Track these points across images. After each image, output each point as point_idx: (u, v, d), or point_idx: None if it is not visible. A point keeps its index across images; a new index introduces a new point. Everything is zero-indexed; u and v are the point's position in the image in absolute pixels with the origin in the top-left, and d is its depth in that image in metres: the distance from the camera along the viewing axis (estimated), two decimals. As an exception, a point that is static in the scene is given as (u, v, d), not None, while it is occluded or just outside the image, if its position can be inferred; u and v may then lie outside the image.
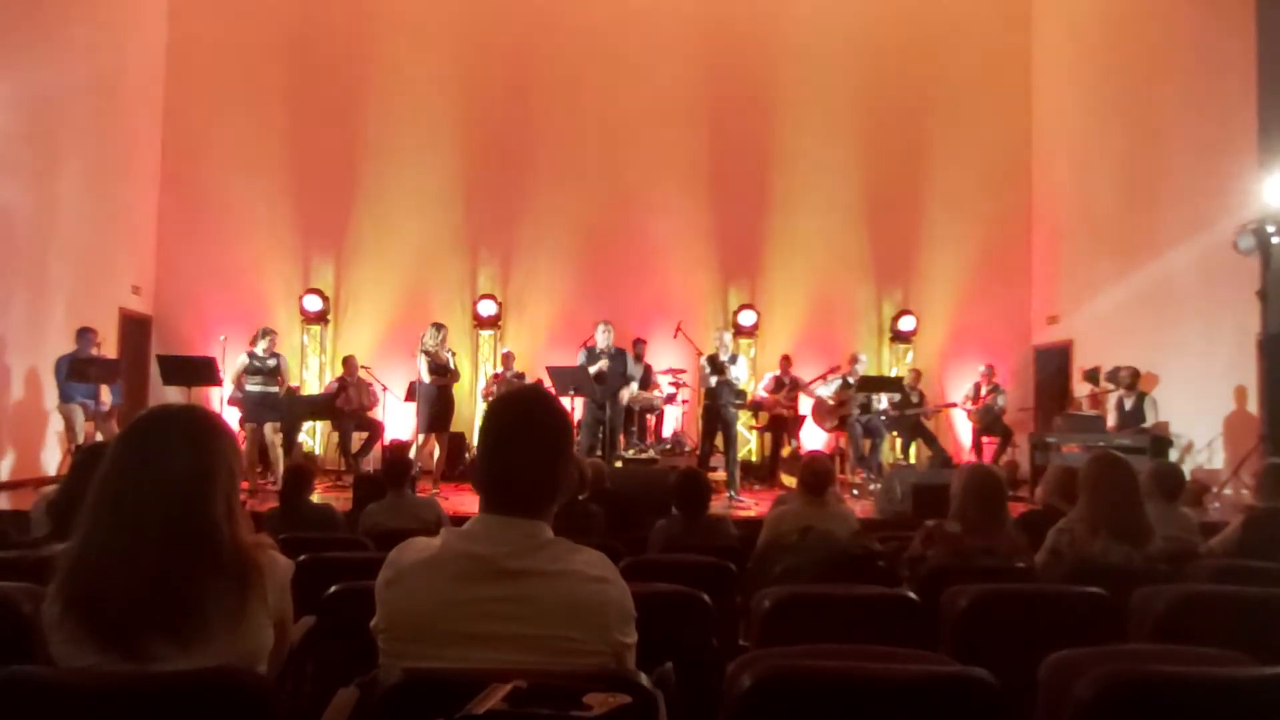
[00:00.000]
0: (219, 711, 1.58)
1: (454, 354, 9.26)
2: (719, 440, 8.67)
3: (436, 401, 9.01)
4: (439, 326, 9.14)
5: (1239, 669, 1.85)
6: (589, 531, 3.95)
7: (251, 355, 8.71)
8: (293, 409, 9.69)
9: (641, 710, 1.40)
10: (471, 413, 11.24)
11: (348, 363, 10.24)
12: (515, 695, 1.24)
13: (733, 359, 8.62)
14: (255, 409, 8.57)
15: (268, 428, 8.66)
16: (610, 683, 1.44)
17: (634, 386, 9.34)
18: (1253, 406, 8.35)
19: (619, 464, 8.41)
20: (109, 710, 1.55)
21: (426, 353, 8.95)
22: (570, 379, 8.33)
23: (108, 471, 1.73)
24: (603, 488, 4.69)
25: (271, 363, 8.77)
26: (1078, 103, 11.14)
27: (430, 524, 4.57)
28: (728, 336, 8.93)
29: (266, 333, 8.88)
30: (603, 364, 8.42)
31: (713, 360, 8.55)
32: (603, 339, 8.58)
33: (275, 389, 8.76)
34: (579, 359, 8.60)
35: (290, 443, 9.66)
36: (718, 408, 8.51)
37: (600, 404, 8.45)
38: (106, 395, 8.74)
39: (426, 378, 8.91)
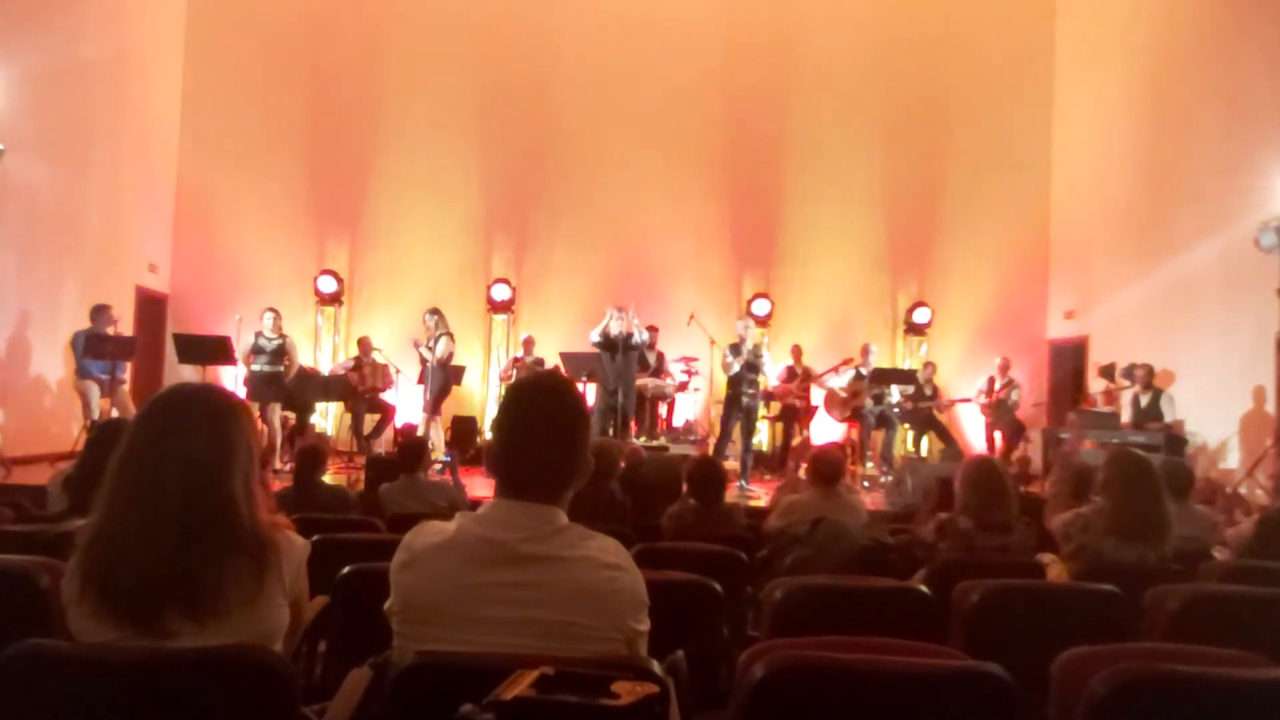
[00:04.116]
0: (237, 688, 1.60)
1: (443, 336, 9.23)
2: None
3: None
4: (432, 312, 9.23)
5: (1252, 669, 1.84)
6: (613, 520, 3.93)
7: (257, 335, 8.80)
8: (305, 390, 9.75)
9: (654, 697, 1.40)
10: (484, 397, 11.29)
11: (362, 343, 10.29)
12: (543, 681, 1.24)
13: (755, 351, 8.57)
14: (259, 389, 8.64)
15: (272, 408, 8.73)
16: (622, 669, 1.44)
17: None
18: (1270, 406, 8.28)
19: (630, 451, 8.42)
20: (128, 685, 1.57)
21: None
22: (583, 365, 8.35)
23: (127, 449, 1.73)
24: (635, 473, 4.66)
25: (276, 343, 8.83)
26: (1100, 96, 11.03)
27: (442, 509, 4.59)
28: (753, 326, 8.91)
29: (270, 312, 8.95)
30: (609, 325, 8.46)
31: (735, 348, 8.52)
32: (615, 326, 8.58)
33: (280, 369, 8.82)
34: (592, 337, 8.66)
35: (302, 424, 9.73)
36: (739, 396, 8.50)
37: (613, 390, 8.46)
38: (124, 372, 8.80)
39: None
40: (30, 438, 8.91)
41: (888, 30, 11.62)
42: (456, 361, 10.15)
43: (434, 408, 9.31)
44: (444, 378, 9.34)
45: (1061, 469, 4.79)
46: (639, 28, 11.51)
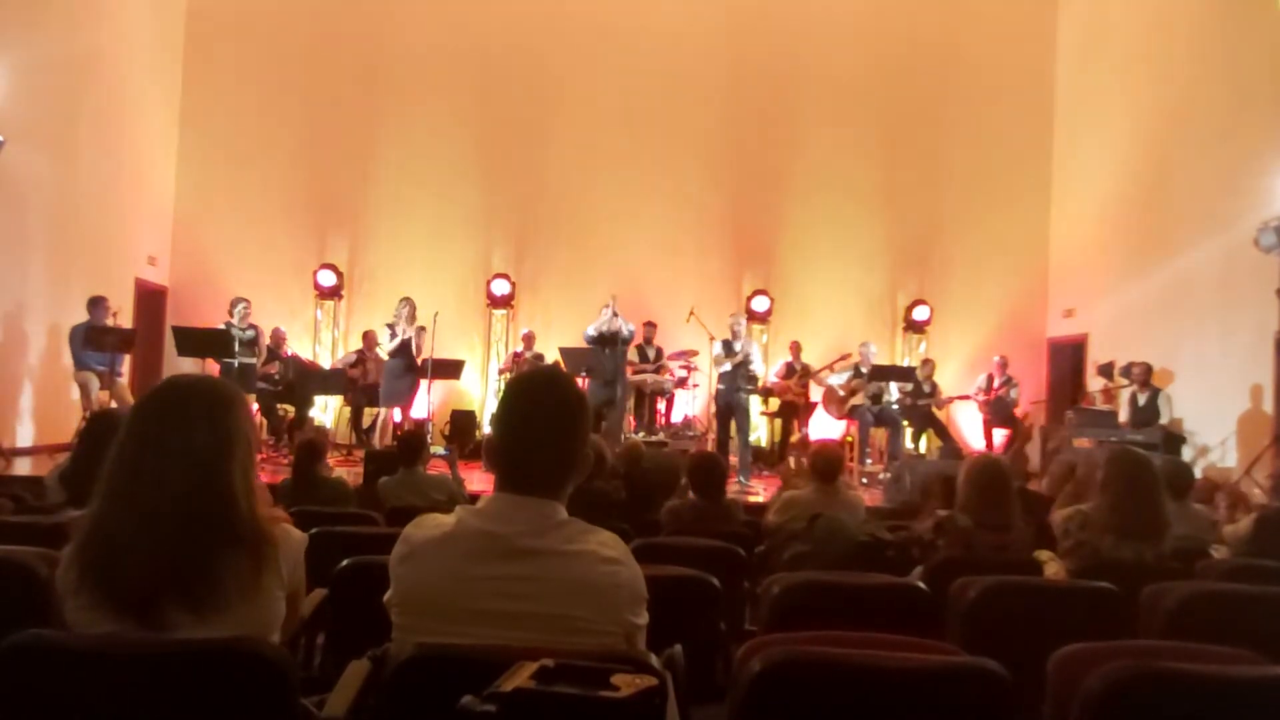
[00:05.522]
0: (236, 680, 1.60)
1: (417, 329, 9.33)
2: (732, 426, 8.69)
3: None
4: (406, 301, 9.28)
5: (1249, 668, 1.85)
6: (612, 516, 3.93)
7: (229, 325, 8.79)
8: (303, 384, 9.76)
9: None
10: (484, 392, 11.29)
11: (367, 337, 10.28)
12: (543, 673, 1.25)
13: (746, 347, 8.60)
14: (238, 382, 8.65)
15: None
16: (621, 663, 1.44)
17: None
18: (1268, 405, 8.29)
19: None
20: (129, 676, 1.57)
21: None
22: (582, 360, 8.39)
23: (125, 441, 1.73)
24: (634, 469, 4.66)
25: (250, 334, 8.85)
26: (1100, 94, 11.02)
27: (441, 503, 4.60)
28: (744, 322, 8.93)
29: (239, 302, 8.96)
30: (605, 324, 8.57)
31: (727, 345, 8.55)
32: (606, 323, 8.68)
33: (252, 360, 8.84)
34: (588, 332, 8.75)
35: (301, 418, 9.74)
36: (730, 392, 8.52)
37: (610, 382, 8.53)
38: (122, 364, 8.81)
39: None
40: (30, 430, 8.92)
41: (889, 28, 11.60)
42: (456, 356, 10.17)
43: (410, 400, 9.42)
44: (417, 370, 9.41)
45: (1062, 468, 4.79)
46: (641, 25, 11.48)
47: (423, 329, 9.23)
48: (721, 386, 8.63)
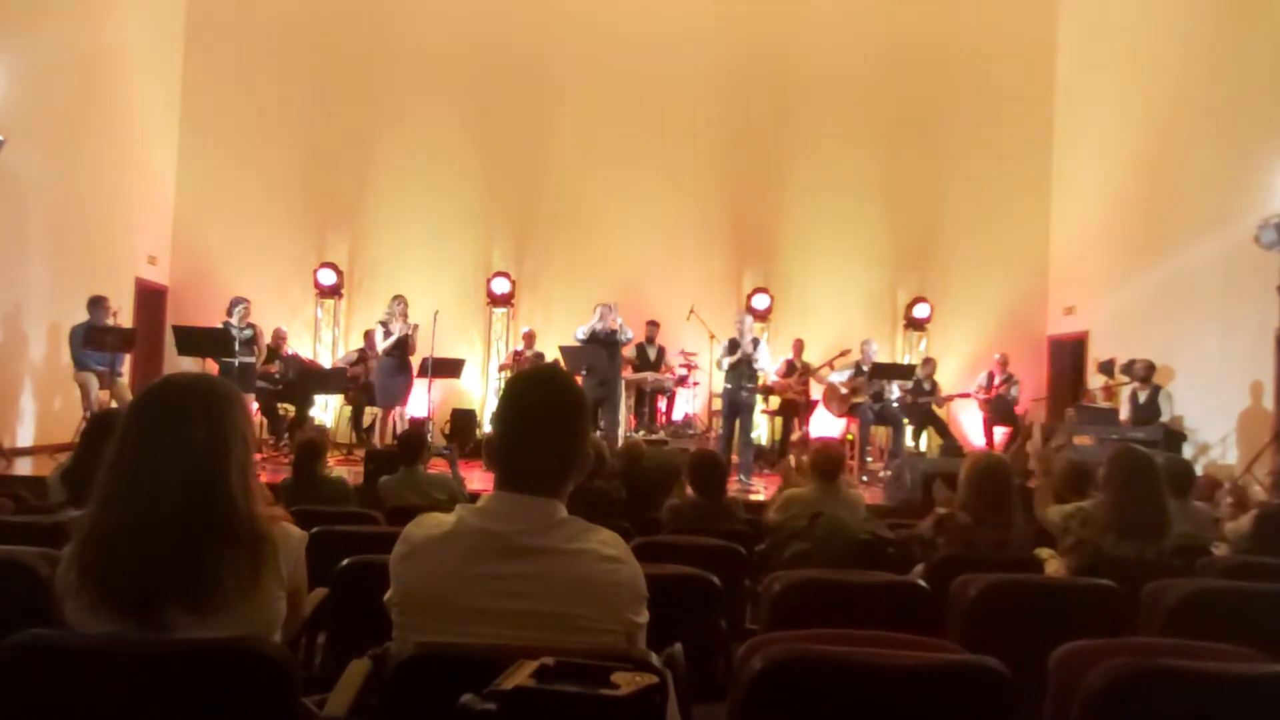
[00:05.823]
0: (237, 679, 1.60)
1: (410, 326, 9.31)
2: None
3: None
4: (399, 299, 9.29)
5: (1249, 665, 1.85)
6: (613, 515, 3.93)
7: (227, 325, 8.80)
8: (304, 383, 9.76)
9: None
10: (484, 391, 11.30)
11: (368, 336, 10.27)
12: (543, 671, 1.24)
13: (754, 343, 8.60)
14: (238, 382, 8.67)
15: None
16: (621, 661, 1.44)
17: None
18: (1268, 402, 8.28)
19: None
20: (129, 676, 1.57)
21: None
22: (582, 358, 8.40)
23: (123, 440, 1.72)
24: (635, 467, 4.66)
25: (247, 333, 8.87)
26: (1100, 91, 11.01)
27: (442, 502, 4.60)
28: (749, 321, 8.92)
29: (238, 302, 8.98)
30: (598, 325, 8.59)
31: (732, 344, 8.55)
32: (600, 324, 8.69)
33: (252, 359, 8.87)
34: (578, 334, 8.73)
35: (302, 417, 9.75)
36: (734, 391, 8.52)
37: (602, 381, 8.55)
38: (122, 364, 8.81)
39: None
40: (30, 430, 8.92)
41: (890, 25, 11.58)
42: (456, 354, 10.17)
43: (406, 398, 9.43)
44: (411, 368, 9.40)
45: (1047, 463, 4.80)
46: (641, 21, 11.48)
47: (415, 326, 9.22)
48: (728, 385, 8.61)
